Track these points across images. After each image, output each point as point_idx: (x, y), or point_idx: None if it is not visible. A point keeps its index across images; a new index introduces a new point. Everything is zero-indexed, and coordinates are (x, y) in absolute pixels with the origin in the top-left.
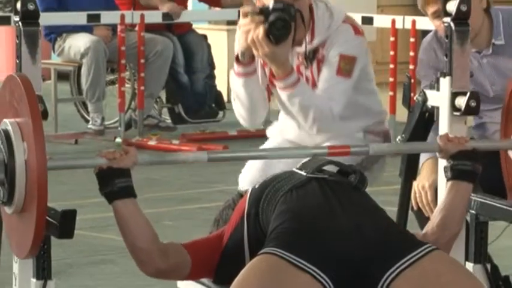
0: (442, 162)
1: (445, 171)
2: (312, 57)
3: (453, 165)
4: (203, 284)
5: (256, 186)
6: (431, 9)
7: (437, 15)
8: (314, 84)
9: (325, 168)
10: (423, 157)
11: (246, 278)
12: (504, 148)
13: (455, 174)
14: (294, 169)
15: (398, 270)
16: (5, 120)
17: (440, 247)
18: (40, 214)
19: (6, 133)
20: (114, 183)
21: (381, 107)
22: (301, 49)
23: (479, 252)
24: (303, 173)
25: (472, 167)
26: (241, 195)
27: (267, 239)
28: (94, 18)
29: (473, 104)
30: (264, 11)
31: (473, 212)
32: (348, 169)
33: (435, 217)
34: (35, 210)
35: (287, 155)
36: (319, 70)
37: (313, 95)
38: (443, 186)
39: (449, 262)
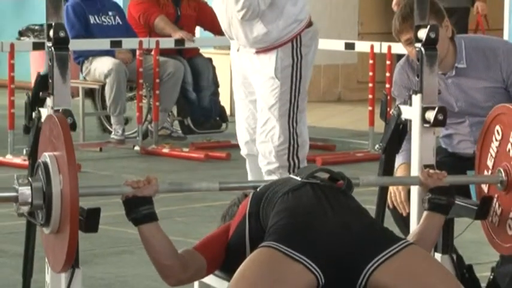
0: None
1: (423, 203)
2: None
3: (430, 198)
4: (216, 275)
5: (258, 189)
6: (404, 37)
7: (409, 42)
8: None
9: (317, 174)
10: (397, 162)
11: (248, 268)
12: (479, 182)
13: (432, 206)
14: (291, 175)
15: (379, 262)
16: (45, 153)
17: None
18: (72, 236)
19: (46, 165)
20: (139, 211)
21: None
22: None
23: (446, 244)
24: (298, 178)
25: (446, 201)
26: (245, 195)
27: (266, 234)
28: (116, 44)
29: (440, 117)
30: None
31: None
32: (337, 176)
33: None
34: (68, 232)
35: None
36: None
37: None
38: (415, 188)
39: (423, 255)
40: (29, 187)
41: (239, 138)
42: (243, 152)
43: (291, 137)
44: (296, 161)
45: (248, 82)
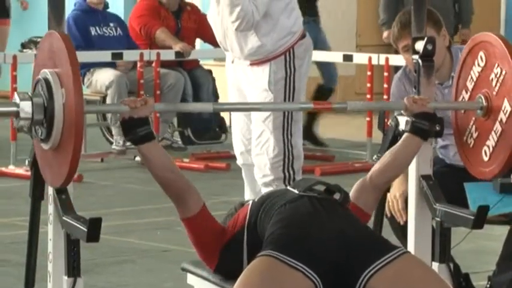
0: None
1: (406, 124)
2: None
3: (414, 121)
4: (216, 284)
5: (256, 200)
6: (401, 44)
7: (406, 49)
8: None
9: (315, 187)
10: None
11: (248, 277)
12: (461, 108)
13: (413, 129)
14: (288, 187)
15: (375, 269)
16: (44, 70)
17: (376, 190)
18: (76, 150)
19: (47, 80)
20: (136, 132)
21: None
22: None
23: (443, 253)
24: (295, 191)
25: (428, 127)
26: (242, 204)
27: (264, 243)
28: (117, 56)
29: (437, 128)
30: None
31: (438, 219)
32: (334, 188)
33: (382, 160)
34: (72, 146)
35: (277, 109)
36: None
37: None
38: (413, 197)
39: (419, 263)
40: (30, 102)
41: (235, 148)
42: (239, 161)
43: (285, 149)
44: (291, 173)
45: (243, 94)
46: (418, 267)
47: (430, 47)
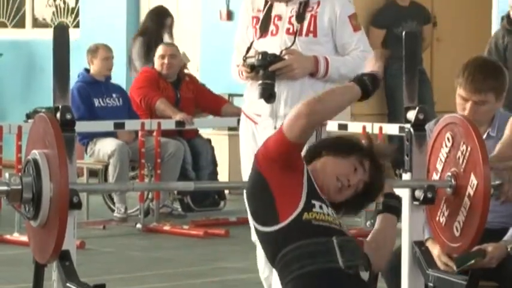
0: None
1: (376, 207)
2: (303, 10)
3: (383, 201)
4: None
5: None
6: (476, 98)
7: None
8: (308, 32)
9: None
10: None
11: None
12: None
13: (384, 208)
14: (335, 245)
15: None
16: (34, 150)
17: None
18: (61, 231)
19: (35, 161)
20: None
21: None
22: (293, 4)
23: None
24: (341, 264)
25: (397, 204)
26: None
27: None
28: (119, 126)
29: (429, 195)
30: (253, 68)
31: (431, 284)
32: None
33: (370, 242)
34: (57, 226)
35: None
36: (315, 24)
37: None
38: (406, 262)
39: None
40: (20, 181)
41: (260, 273)
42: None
43: None
44: None
45: None
46: None
47: (421, 116)
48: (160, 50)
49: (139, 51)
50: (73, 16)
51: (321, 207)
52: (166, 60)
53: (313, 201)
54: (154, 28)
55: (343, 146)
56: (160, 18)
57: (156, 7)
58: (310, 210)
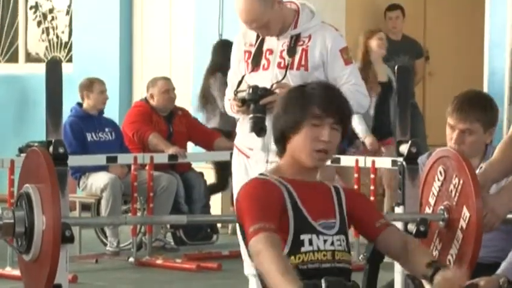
0: None
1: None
2: (294, 44)
3: None
4: None
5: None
6: (461, 126)
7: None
8: (300, 66)
9: None
10: None
11: None
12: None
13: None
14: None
15: None
16: (26, 184)
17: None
18: (53, 266)
19: (28, 195)
20: None
21: None
22: (285, 38)
23: None
24: None
25: None
26: None
27: None
28: (112, 160)
29: (422, 228)
30: (244, 101)
31: None
32: None
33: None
34: (50, 259)
35: None
36: (306, 58)
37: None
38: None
39: None
40: (12, 215)
41: None
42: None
43: None
44: None
45: None
46: None
47: (414, 150)
48: (163, 84)
49: (221, 88)
50: (66, 50)
51: (310, 242)
52: (172, 95)
53: (302, 237)
54: (224, 62)
55: (291, 121)
56: (227, 51)
57: (220, 40)
58: (297, 252)
